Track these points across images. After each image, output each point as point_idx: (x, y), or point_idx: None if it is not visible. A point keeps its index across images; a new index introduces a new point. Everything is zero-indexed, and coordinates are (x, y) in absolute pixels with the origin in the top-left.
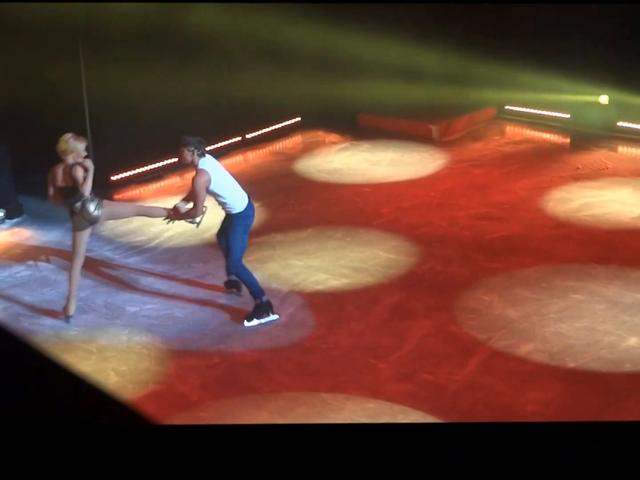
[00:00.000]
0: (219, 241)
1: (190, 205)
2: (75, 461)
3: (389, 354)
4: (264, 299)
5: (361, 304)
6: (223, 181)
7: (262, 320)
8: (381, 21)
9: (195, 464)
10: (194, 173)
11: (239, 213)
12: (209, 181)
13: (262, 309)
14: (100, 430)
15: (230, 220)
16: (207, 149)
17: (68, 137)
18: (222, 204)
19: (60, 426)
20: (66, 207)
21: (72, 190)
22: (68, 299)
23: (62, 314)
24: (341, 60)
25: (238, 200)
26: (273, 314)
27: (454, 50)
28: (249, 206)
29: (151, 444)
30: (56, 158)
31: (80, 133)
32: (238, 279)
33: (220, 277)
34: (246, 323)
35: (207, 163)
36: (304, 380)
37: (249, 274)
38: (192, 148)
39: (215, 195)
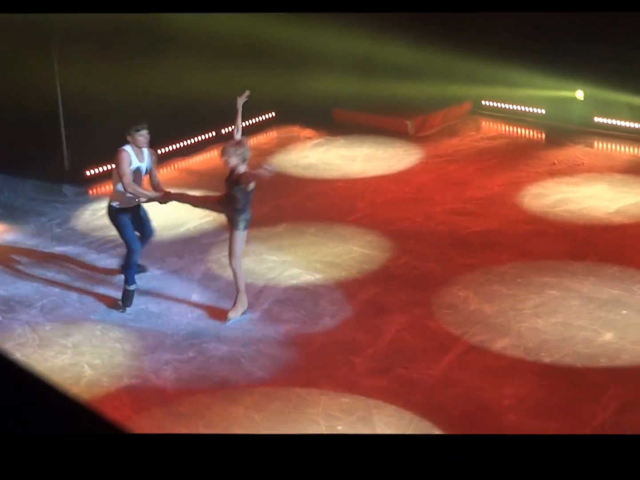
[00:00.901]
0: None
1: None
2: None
3: (363, 349)
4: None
5: (335, 299)
6: None
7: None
8: (356, 16)
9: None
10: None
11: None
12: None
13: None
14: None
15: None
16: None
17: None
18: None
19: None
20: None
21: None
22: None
23: (232, 314)
24: (316, 55)
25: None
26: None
27: (430, 45)
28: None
29: (134, 453)
30: (30, 152)
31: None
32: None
33: (195, 272)
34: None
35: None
36: (279, 374)
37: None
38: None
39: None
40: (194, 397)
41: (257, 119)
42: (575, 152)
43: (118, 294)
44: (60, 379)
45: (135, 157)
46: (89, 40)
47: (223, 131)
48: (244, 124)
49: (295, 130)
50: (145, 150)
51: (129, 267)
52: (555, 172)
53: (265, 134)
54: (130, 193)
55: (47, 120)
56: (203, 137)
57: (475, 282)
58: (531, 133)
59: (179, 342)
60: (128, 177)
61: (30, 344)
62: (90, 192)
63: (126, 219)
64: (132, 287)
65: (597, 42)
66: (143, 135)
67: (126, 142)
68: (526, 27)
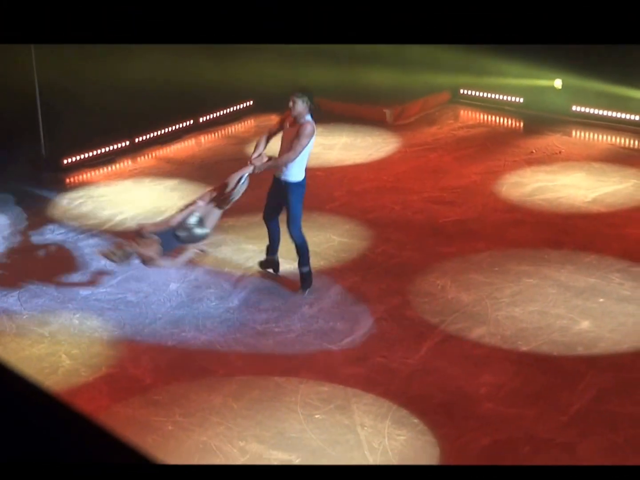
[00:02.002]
0: (269, 219)
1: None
2: None
3: (342, 338)
4: (310, 268)
5: (314, 287)
6: (311, 145)
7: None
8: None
9: None
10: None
11: (300, 182)
12: (313, 134)
13: (310, 277)
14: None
15: (285, 191)
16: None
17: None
18: (290, 168)
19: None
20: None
21: None
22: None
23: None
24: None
25: (303, 169)
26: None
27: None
28: (305, 178)
29: None
30: (7, 140)
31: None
32: (298, 247)
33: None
34: (303, 294)
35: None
36: (258, 363)
37: (306, 243)
38: (306, 99)
39: (298, 154)
40: (171, 386)
41: (235, 108)
42: (553, 140)
43: (97, 282)
44: (38, 369)
45: None
46: None
47: (201, 120)
48: (221, 113)
49: (273, 118)
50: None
51: (306, 251)
52: (533, 160)
53: (243, 123)
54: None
55: (24, 109)
56: (180, 125)
57: (452, 270)
58: (509, 122)
59: (157, 331)
60: None
61: (7, 333)
62: (67, 180)
63: None
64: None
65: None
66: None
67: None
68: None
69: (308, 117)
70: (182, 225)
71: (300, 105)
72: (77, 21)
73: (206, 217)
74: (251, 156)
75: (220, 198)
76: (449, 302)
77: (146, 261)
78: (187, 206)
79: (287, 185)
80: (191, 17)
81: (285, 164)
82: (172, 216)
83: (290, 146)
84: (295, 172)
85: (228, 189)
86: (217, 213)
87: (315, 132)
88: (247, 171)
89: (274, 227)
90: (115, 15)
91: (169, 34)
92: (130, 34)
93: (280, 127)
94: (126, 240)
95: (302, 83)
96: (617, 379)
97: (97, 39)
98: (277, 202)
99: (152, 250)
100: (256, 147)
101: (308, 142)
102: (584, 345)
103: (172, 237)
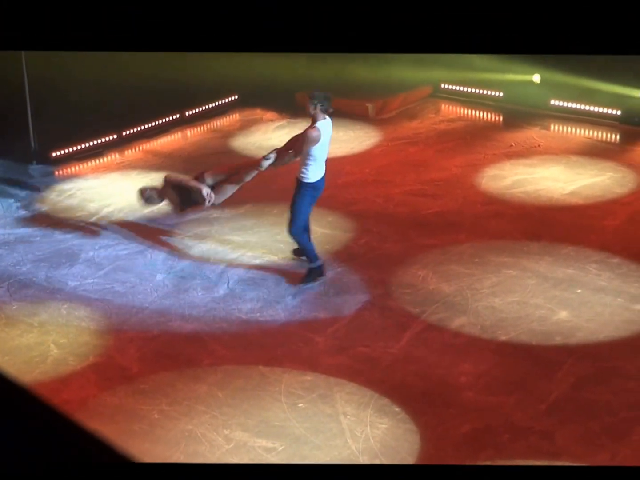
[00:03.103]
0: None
1: (272, 155)
2: None
3: (325, 328)
4: (319, 263)
5: (298, 278)
6: (322, 148)
7: (315, 283)
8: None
9: None
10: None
11: (311, 183)
12: (317, 140)
13: (315, 273)
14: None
15: (298, 188)
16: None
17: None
18: (303, 167)
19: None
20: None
21: None
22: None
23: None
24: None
25: (317, 171)
26: (322, 275)
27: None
28: (322, 180)
29: None
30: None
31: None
32: (296, 243)
33: (159, 252)
34: (302, 285)
35: (324, 124)
36: (242, 353)
37: (307, 241)
38: (316, 102)
39: (308, 156)
40: (158, 375)
41: (220, 102)
42: (532, 134)
43: (83, 274)
44: (27, 358)
45: None
46: None
47: (187, 114)
48: (206, 107)
49: (258, 113)
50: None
51: (308, 249)
52: (513, 154)
53: (228, 117)
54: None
55: (14, 102)
56: (167, 119)
57: (433, 261)
58: (489, 116)
59: (144, 320)
60: None
61: None
62: (57, 173)
63: None
64: (319, 262)
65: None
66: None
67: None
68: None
69: (319, 123)
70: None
71: (311, 109)
72: (73, 26)
73: (217, 185)
74: (266, 154)
75: (236, 176)
76: (430, 292)
77: (172, 207)
78: (198, 175)
79: (297, 183)
80: (189, 24)
81: (285, 163)
82: (190, 179)
83: (291, 147)
84: (307, 174)
85: (241, 179)
86: (230, 187)
87: (320, 138)
88: (254, 172)
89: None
90: (113, 21)
91: (166, 41)
92: (126, 41)
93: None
94: (154, 187)
95: (284, 78)
96: (595, 368)
97: (95, 45)
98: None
99: (173, 199)
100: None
101: (310, 147)
102: (562, 334)
103: (189, 196)
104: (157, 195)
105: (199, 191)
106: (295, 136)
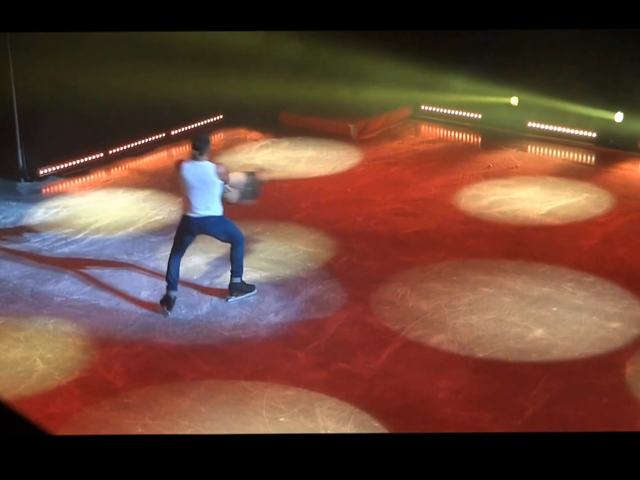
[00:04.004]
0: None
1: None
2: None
3: (306, 344)
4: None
5: (280, 295)
6: (182, 184)
7: (244, 296)
8: (303, 22)
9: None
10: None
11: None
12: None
13: (244, 286)
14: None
15: (211, 225)
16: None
17: None
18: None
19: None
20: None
21: None
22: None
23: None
24: (264, 59)
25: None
26: (252, 290)
27: (373, 52)
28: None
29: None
30: None
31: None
32: (231, 252)
33: (144, 269)
34: (231, 299)
35: (190, 162)
36: (225, 368)
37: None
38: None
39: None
40: (142, 390)
41: (205, 122)
42: (510, 155)
43: (69, 290)
44: (13, 372)
45: None
46: (43, 44)
47: (172, 133)
48: (192, 126)
49: (242, 132)
50: None
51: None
52: (490, 174)
53: (213, 136)
54: None
55: (2, 121)
56: (153, 138)
57: (413, 279)
58: (468, 137)
59: (129, 336)
60: None
61: None
62: (44, 190)
63: None
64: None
65: (531, 51)
66: None
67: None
68: (464, 37)
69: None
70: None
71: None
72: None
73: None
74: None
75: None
76: (409, 310)
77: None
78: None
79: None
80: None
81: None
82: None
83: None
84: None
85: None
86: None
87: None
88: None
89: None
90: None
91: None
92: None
93: None
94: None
95: (268, 98)
96: (569, 385)
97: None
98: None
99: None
100: None
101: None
102: (538, 352)
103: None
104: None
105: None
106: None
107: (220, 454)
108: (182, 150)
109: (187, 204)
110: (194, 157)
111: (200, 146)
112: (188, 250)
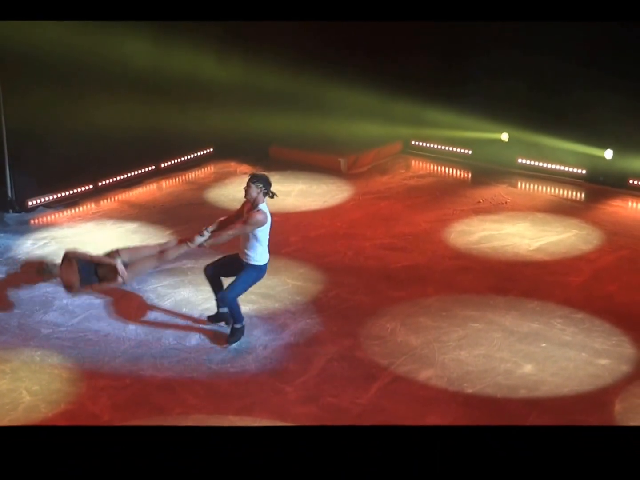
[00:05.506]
0: (209, 271)
1: (207, 233)
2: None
3: (295, 378)
4: (244, 323)
5: (268, 329)
6: (267, 231)
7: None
8: (295, 55)
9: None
10: (245, 208)
11: (258, 266)
12: (264, 224)
13: (240, 332)
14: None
15: (244, 268)
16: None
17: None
18: (248, 250)
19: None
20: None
21: None
22: None
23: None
24: (254, 93)
25: (264, 254)
26: (243, 334)
27: (363, 88)
28: (266, 265)
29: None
30: None
31: None
32: (227, 308)
33: (132, 301)
34: (228, 345)
35: (266, 207)
36: (213, 402)
37: (239, 307)
38: (261, 185)
39: (253, 239)
40: (128, 423)
41: (195, 154)
42: (500, 191)
43: (56, 322)
44: None
45: None
46: (34, 75)
47: (162, 165)
48: (182, 159)
49: (232, 165)
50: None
51: (237, 312)
52: (480, 210)
53: (203, 169)
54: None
55: None
56: (142, 170)
57: (402, 314)
58: (458, 172)
59: (116, 369)
60: None
61: None
62: (32, 221)
63: None
64: (243, 323)
65: (522, 88)
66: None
67: None
68: (455, 73)
69: (262, 205)
70: (104, 263)
71: (254, 190)
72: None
73: (132, 263)
74: (201, 231)
75: (160, 254)
76: (398, 344)
77: (66, 286)
78: (113, 252)
79: (247, 266)
80: None
81: (220, 242)
82: (101, 255)
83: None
84: (255, 256)
85: (165, 257)
86: (147, 265)
87: (267, 221)
88: (183, 249)
89: (215, 281)
90: None
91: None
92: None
93: (238, 212)
94: (56, 263)
95: (258, 131)
96: (558, 421)
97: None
98: (231, 269)
99: (73, 276)
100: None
101: (253, 229)
102: (527, 388)
103: (93, 273)
104: (57, 270)
105: (113, 267)
106: (229, 217)
107: (217, 446)
108: (172, 182)
109: (263, 252)
110: (267, 196)
111: (270, 183)
112: (178, 283)
